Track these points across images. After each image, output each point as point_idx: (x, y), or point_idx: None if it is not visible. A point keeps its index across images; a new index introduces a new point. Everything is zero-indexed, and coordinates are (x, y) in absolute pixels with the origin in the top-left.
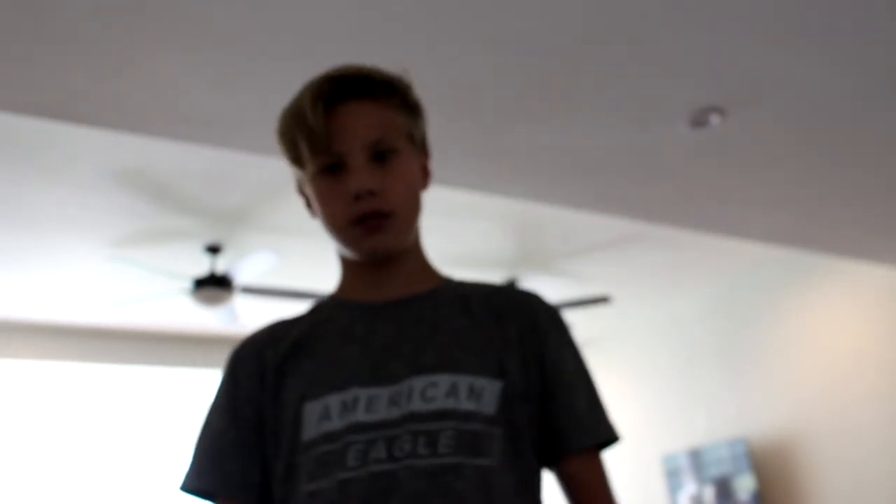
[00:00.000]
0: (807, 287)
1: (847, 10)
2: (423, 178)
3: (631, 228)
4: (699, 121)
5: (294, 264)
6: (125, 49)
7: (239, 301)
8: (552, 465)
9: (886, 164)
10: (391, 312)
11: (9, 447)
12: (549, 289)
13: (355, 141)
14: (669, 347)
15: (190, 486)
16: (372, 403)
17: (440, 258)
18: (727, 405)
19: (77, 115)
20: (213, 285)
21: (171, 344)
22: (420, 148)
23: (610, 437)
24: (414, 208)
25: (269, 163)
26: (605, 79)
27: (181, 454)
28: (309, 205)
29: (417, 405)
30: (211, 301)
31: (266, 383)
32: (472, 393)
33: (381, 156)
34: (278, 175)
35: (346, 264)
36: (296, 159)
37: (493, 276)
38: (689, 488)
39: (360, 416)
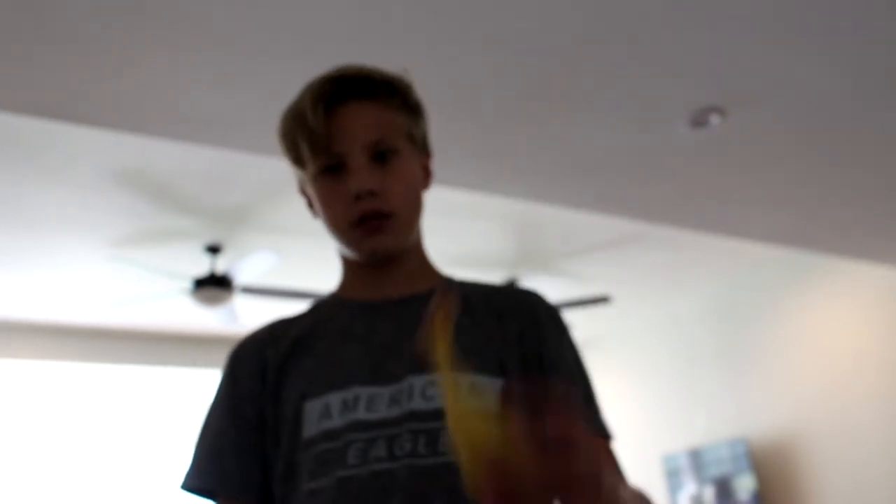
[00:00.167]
0: (807, 287)
1: (847, 10)
2: (425, 178)
3: (631, 228)
4: (699, 121)
5: (294, 264)
6: (125, 49)
7: (239, 301)
8: None
9: (886, 164)
10: (391, 311)
11: (9, 447)
12: (549, 289)
13: (355, 141)
14: (669, 347)
15: (190, 485)
16: (372, 402)
17: (440, 258)
18: (727, 405)
19: (77, 115)
20: (213, 285)
21: (171, 344)
22: (421, 148)
23: (603, 432)
24: (414, 208)
25: (269, 163)
26: (605, 79)
27: (181, 454)
28: (311, 205)
29: (418, 404)
30: (211, 301)
31: (267, 382)
32: (474, 391)
33: (381, 156)
34: (278, 175)
35: (347, 264)
36: (297, 160)
37: (493, 276)
38: (689, 488)
39: (361, 414)
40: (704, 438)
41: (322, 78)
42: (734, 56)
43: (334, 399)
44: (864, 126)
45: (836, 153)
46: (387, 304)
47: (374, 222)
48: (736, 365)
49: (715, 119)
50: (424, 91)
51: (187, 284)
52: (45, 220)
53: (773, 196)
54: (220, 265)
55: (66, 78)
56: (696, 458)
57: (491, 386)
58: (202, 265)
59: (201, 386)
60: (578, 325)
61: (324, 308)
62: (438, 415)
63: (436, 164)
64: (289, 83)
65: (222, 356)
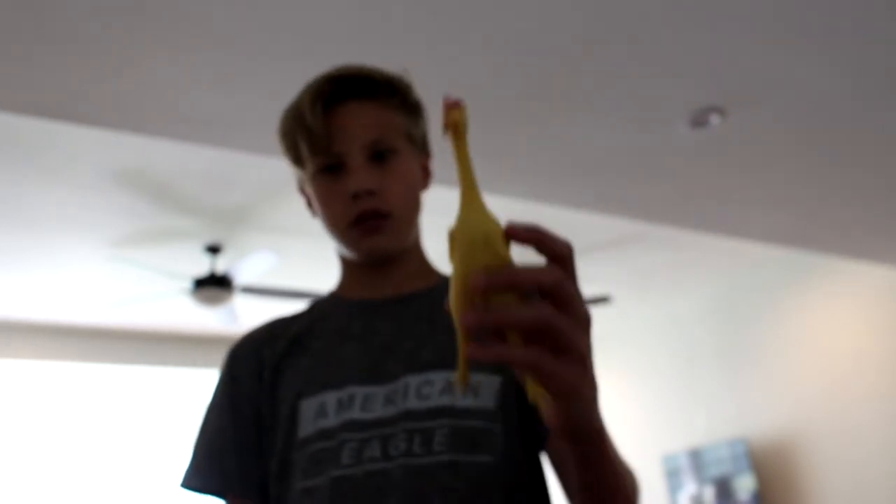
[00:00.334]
0: (807, 287)
1: (847, 10)
2: (424, 178)
3: (631, 228)
4: (699, 121)
5: (294, 264)
6: (125, 49)
7: (239, 301)
8: (544, 448)
9: (886, 164)
10: (390, 310)
11: (9, 447)
12: None
13: (354, 141)
14: (669, 347)
15: (190, 484)
16: (368, 401)
17: (440, 258)
18: (727, 405)
19: (77, 115)
20: (213, 285)
21: (171, 344)
22: (420, 148)
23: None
24: (413, 208)
25: (269, 163)
26: (605, 79)
27: (181, 453)
28: (310, 204)
29: (413, 403)
30: (211, 301)
31: (264, 381)
32: (469, 389)
33: (380, 156)
34: (278, 175)
35: (346, 264)
36: (296, 159)
37: None
38: (689, 488)
39: (356, 413)
40: (704, 438)
41: (322, 77)
42: (734, 56)
43: (330, 398)
44: (864, 126)
45: (836, 153)
46: (386, 304)
47: (373, 222)
48: (736, 365)
49: (715, 119)
50: (424, 91)
51: (187, 284)
52: (45, 220)
53: (773, 196)
54: (220, 265)
55: (66, 78)
56: (696, 458)
57: (490, 384)
58: (202, 265)
59: (201, 386)
60: None
61: (322, 307)
62: (433, 414)
63: (436, 164)
64: (289, 83)
65: (222, 356)
